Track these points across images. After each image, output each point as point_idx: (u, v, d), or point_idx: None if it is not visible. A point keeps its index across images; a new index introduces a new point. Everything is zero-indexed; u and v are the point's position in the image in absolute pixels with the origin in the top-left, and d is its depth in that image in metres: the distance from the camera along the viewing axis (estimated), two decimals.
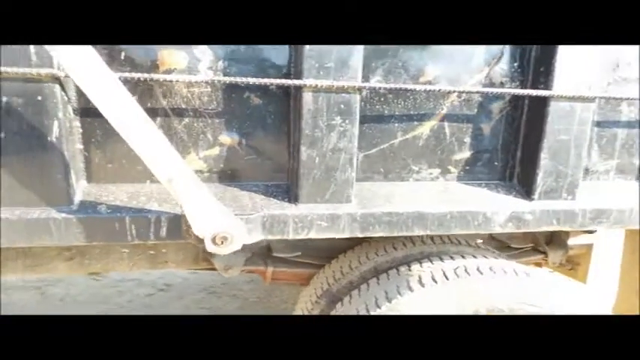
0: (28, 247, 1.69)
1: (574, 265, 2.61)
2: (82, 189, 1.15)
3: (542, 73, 1.29)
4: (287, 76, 1.20)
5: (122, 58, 1.13)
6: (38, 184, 1.07)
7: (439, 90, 1.26)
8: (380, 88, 1.25)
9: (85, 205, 1.10)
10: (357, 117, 1.20)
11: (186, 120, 1.20)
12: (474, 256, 1.56)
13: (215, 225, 1.04)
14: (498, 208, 1.31)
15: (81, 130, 1.15)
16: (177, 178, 1.01)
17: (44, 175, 1.07)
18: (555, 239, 2.19)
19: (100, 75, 0.96)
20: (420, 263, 1.52)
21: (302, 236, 1.20)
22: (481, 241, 2.06)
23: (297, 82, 1.14)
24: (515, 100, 1.36)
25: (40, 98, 1.04)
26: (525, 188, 1.36)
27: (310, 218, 1.20)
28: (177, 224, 1.10)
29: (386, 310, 1.32)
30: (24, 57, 1.00)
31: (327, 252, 1.85)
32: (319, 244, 1.85)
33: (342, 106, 1.17)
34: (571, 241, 2.26)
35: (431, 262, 1.52)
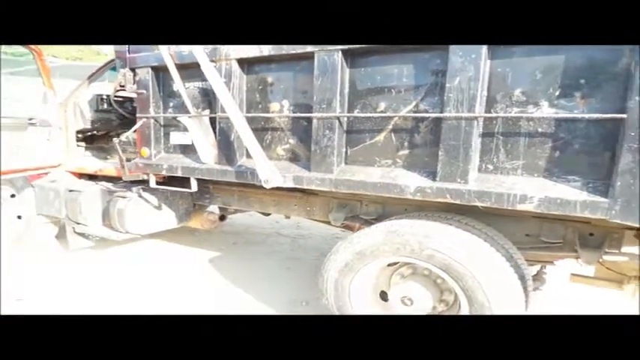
0: (259, 198, 3.59)
1: (628, 278, 2.56)
2: (242, 160, 2.85)
3: (443, 103, 2.12)
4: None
5: (259, 107, 2.78)
6: (226, 157, 2.85)
7: (382, 116, 2.31)
8: (352, 116, 2.41)
9: (240, 165, 2.80)
10: (337, 131, 2.41)
11: (278, 132, 2.73)
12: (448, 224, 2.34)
13: (266, 175, 2.52)
14: (410, 183, 2.21)
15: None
16: (255, 153, 2.55)
17: (227, 153, 2.84)
18: (590, 240, 2.43)
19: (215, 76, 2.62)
20: (400, 220, 2.47)
21: (309, 187, 2.52)
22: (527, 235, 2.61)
23: (310, 115, 2.48)
24: (437, 120, 2.18)
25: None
26: (435, 173, 2.18)
27: (313, 179, 2.50)
28: None
29: (353, 236, 2.43)
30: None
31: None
32: (387, 214, 2.96)
33: (329, 124, 2.42)
34: (630, 250, 2.42)
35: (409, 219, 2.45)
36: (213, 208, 4.31)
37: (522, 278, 2.29)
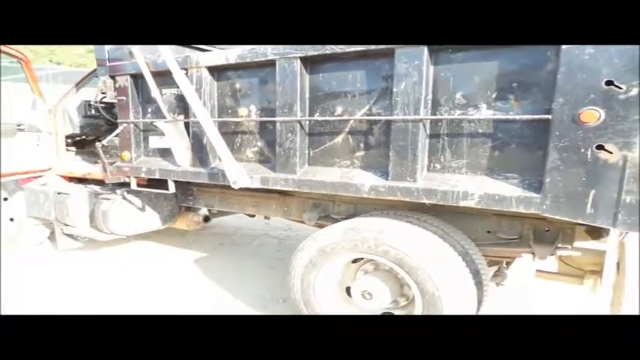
0: (239, 199, 3.72)
1: (586, 273, 2.66)
2: (215, 162, 2.98)
3: (392, 106, 2.24)
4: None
5: (229, 112, 2.91)
6: (199, 159, 2.99)
7: (338, 119, 2.44)
8: (312, 120, 2.54)
9: (212, 168, 2.94)
10: (298, 134, 2.54)
11: (247, 135, 2.86)
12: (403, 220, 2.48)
13: (234, 177, 2.66)
14: (365, 182, 2.33)
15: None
16: (223, 156, 2.69)
17: (200, 156, 2.97)
18: (545, 236, 2.55)
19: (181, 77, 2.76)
20: (361, 218, 2.60)
21: (275, 187, 2.65)
22: (489, 231, 2.73)
23: (274, 119, 2.61)
24: (388, 122, 2.31)
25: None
26: (387, 173, 2.30)
27: (278, 179, 2.63)
28: None
29: (317, 234, 2.56)
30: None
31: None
32: (358, 214, 3.08)
33: (291, 128, 2.55)
34: (582, 245, 2.53)
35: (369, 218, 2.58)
36: (203, 211, 4.45)
37: (476, 272, 2.41)
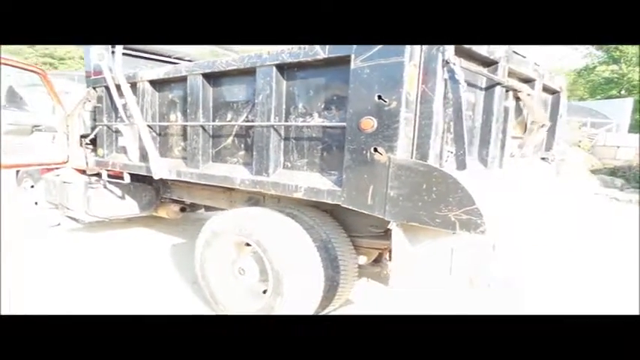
0: (199, 193, 4.36)
1: None
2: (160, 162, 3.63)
3: (260, 114, 2.73)
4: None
5: (165, 118, 3.54)
6: (143, 156, 3.65)
7: (226, 124, 2.97)
8: (211, 124, 3.09)
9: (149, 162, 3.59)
10: (201, 136, 3.10)
11: (175, 137, 3.48)
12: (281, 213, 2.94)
13: (156, 170, 3.27)
14: (237, 176, 2.84)
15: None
16: (151, 154, 3.31)
17: (143, 153, 3.64)
18: None
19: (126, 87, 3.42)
20: (247, 208, 3.10)
21: (185, 179, 3.22)
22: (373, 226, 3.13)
23: (185, 123, 3.20)
24: (254, 127, 2.79)
25: None
26: (253, 169, 2.79)
27: (187, 172, 3.20)
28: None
29: (212, 218, 3.09)
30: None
31: None
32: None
33: (197, 131, 3.12)
34: None
35: (253, 208, 3.07)
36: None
37: (334, 258, 2.81)
